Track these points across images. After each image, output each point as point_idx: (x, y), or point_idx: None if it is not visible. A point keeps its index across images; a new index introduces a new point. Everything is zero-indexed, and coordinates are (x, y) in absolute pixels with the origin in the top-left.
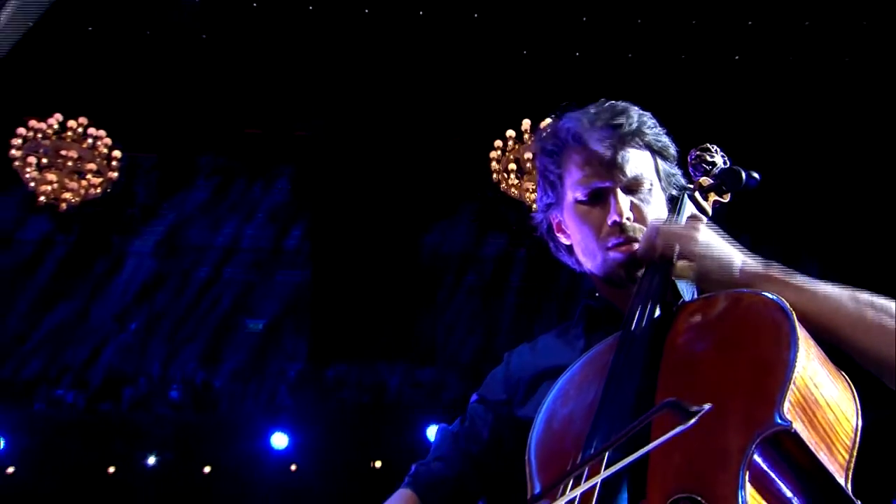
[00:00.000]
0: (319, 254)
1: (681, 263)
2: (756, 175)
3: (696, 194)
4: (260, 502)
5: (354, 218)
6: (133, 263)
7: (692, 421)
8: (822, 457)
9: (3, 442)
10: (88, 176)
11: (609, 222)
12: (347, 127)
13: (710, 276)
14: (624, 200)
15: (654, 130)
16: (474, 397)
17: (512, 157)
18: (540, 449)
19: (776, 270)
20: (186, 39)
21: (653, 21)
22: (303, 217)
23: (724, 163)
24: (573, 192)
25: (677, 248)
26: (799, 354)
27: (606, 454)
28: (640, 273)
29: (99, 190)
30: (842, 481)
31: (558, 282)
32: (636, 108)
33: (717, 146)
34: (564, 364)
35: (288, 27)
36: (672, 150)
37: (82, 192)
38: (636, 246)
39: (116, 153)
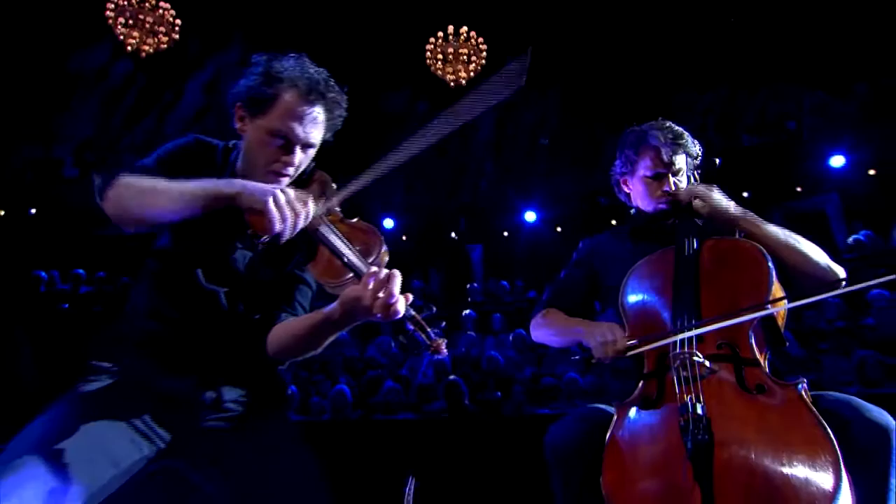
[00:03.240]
0: None
1: (698, 203)
2: (717, 160)
3: (695, 172)
4: None
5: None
6: (190, 96)
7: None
8: (778, 322)
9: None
10: (159, 35)
11: (663, 189)
12: (335, 19)
13: (716, 213)
14: (671, 179)
15: (692, 145)
16: (571, 261)
17: (440, 50)
18: (631, 304)
19: (749, 214)
20: None
21: None
22: None
23: (700, 150)
24: (643, 171)
25: (701, 196)
26: (773, 276)
27: (693, 326)
28: (675, 217)
29: (166, 45)
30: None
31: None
32: (685, 131)
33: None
34: (621, 253)
35: None
36: (694, 152)
37: (156, 45)
38: (668, 199)
39: (178, 21)
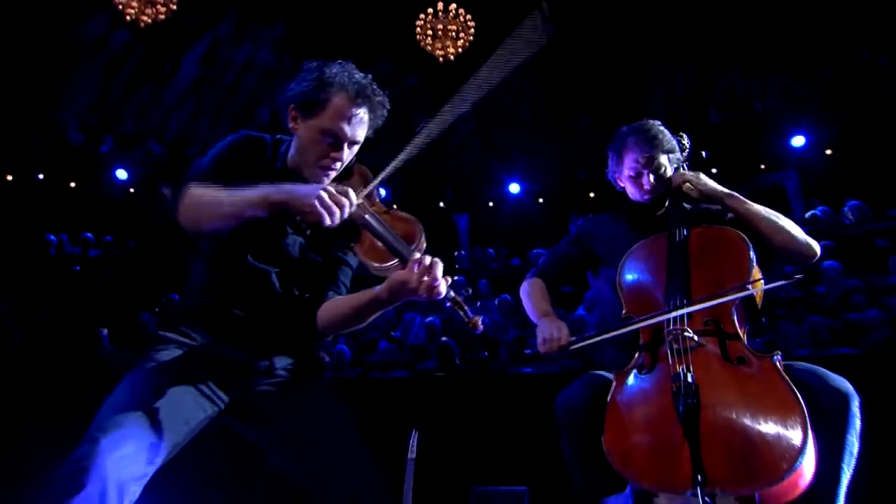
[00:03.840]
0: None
1: (688, 186)
2: (705, 153)
3: (683, 164)
4: None
5: (329, 51)
6: (187, 67)
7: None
8: (757, 300)
9: (125, 173)
10: (157, 6)
11: (645, 188)
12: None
13: (704, 194)
14: (651, 177)
15: (670, 142)
16: (567, 238)
17: (429, 26)
18: (628, 283)
19: (735, 194)
20: None
21: None
22: (290, 46)
23: (688, 143)
24: (628, 170)
25: (691, 181)
26: (753, 261)
27: (685, 305)
28: (667, 203)
29: (163, 16)
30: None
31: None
32: (663, 129)
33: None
34: (617, 235)
35: None
36: (676, 148)
37: (154, 16)
38: (653, 193)
39: None
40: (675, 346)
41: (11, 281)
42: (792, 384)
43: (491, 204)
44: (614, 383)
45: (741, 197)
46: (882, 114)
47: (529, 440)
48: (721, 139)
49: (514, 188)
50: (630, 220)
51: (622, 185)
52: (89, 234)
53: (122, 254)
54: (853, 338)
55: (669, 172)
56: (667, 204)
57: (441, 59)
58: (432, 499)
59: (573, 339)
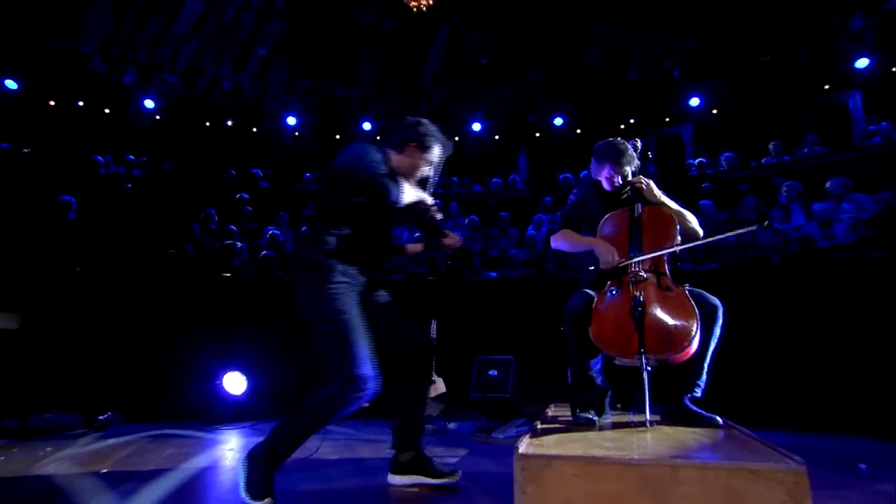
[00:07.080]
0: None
1: (640, 187)
2: (650, 153)
3: (639, 160)
4: None
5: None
6: (190, 2)
7: (662, 252)
8: (679, 252)
9: (152, 103)
10: None
11: (615, 186)
12: None
13: (650, 197)
14: (619, 180)
15: (632, 157)
16: (570, 202)
17: None
18: (605, 236)
19: (663, 197)
20: None
21: None
22: None
23: (640, 144)
24: (604, 174)
25: (643, 186)
26: (678, 230)
27: (641, 255)
28: (629, 190)
29: None
30: (677, 257)
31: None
32: (629, 148)
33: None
34: (597, 203)
35: None
36: (635, 158)
37: None
38: (617, 189)
39: None
40: (633, 279)
41: (79, 195)
42: (692, 301)
43: (456, 139)
44: (596, 298)
45: (668, 201)
46: (756, 82)
47: (510, 324)
48: (637, 93)
49: (476, 127)
50: (603, 196)
51: (598, 178)
52: (131, 156)
53: (159, 173)
54: (717, 256)
55: (630, 176)
56: (628, 191)
57: (414, 9)
58: (449, 365)
59: (620, 259)
